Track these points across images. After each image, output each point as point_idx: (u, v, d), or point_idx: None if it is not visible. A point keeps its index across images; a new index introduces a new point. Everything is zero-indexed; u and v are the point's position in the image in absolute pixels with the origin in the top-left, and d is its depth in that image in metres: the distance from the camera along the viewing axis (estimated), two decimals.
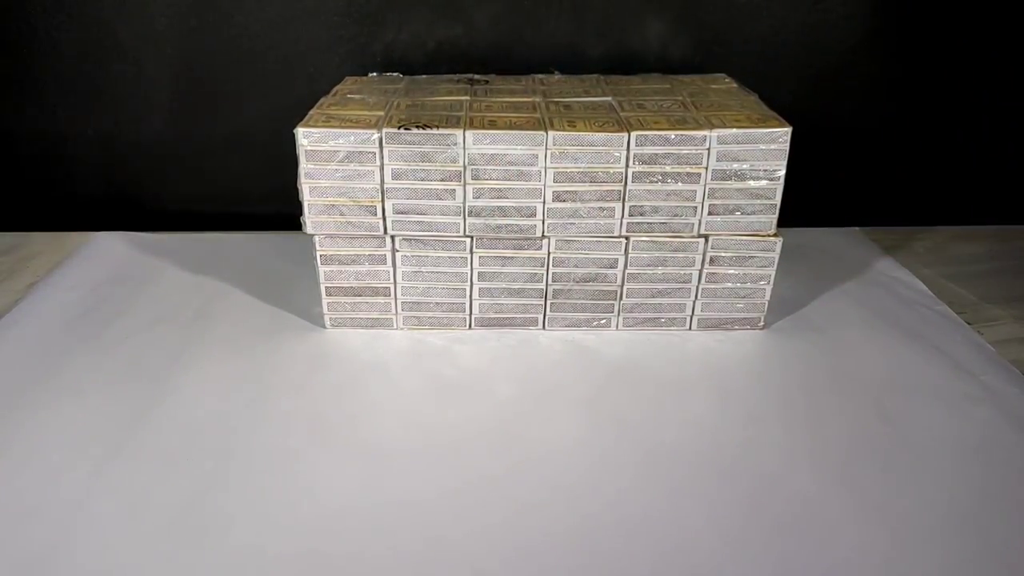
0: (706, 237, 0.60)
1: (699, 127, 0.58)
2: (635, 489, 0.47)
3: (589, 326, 0.63)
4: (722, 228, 0.60)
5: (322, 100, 0.64)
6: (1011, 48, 0.80)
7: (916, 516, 0.45)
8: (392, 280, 0.62)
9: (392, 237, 0.60)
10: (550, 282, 0.62)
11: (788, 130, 0.58)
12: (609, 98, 0.65)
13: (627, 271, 0.61)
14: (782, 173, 0.58)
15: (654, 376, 0.58)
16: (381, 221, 0.59)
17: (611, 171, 0.58)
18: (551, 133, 0.57)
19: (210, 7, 0.76)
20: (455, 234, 0.60)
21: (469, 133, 0.57)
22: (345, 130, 0.57)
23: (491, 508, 0.46)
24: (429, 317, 0.63)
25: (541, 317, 0.63)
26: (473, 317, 0.63)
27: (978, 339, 0.62)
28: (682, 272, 0.61)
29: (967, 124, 0.83)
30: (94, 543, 0.43)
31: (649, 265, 0.61)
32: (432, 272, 0.61)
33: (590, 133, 0.57)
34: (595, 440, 0.51)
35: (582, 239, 0.60)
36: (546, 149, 0.57)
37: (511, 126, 0.58)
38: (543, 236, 0.60)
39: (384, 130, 0.57)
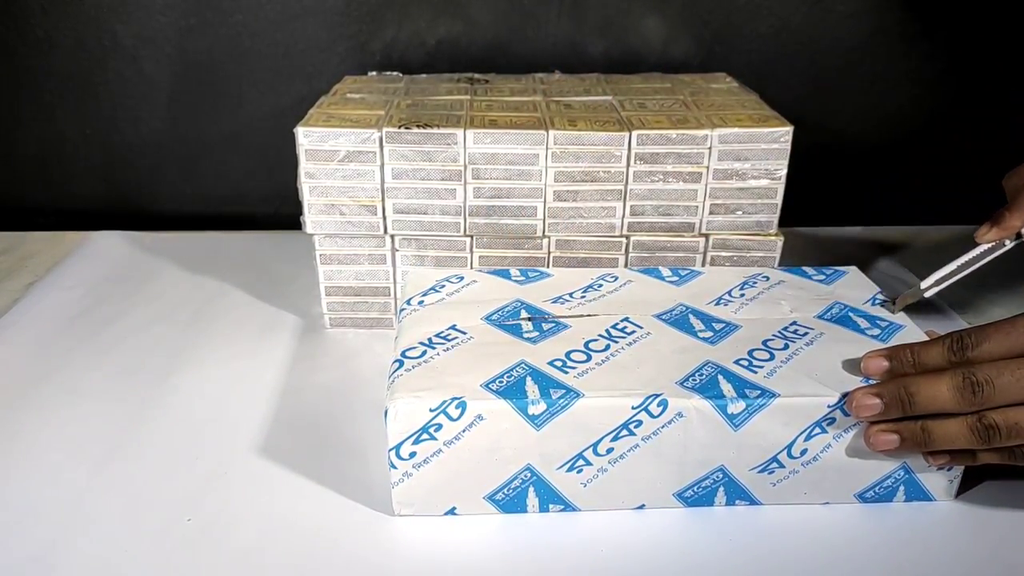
0: (707, 236, 0.60)
1: (700, 126, 0.57)
2: None
3: None
4: (723, 227, 0.60)
5: (322, 99, 0.64)
6: (1012, 47, 0.80)
7: (912, 513, 0.45)
8: (392, 280, 0.61)
9: (392, 237, 0.60)
10: None
11: (789, 129, 0.57)
12: (610, 97, 0.65)
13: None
14: (783, 172, 0.58)
15: None
16: (381, 221, 0.59)
17: (612, 170, 0.58)
18: (552, 132, 0.57)
19: (209, 6, 0.76)
20: (455, 234, 0.60)
21: (470, 132, 0.57)
22: (345, 129, 0.56)
23: None
24: None
25: None
26: None
27: None
28: None
29: (968, 123, 0.83)
30: (94, 543, 0.42)
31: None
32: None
33: (591, 132, 0.57)
34: None
35: (582, 239, 0.60)
36: (547, 148, 0.57)
37: (512, 125, 0.57)
38: (543, 236, 0.60)
39: (384, 129, 0.57)
